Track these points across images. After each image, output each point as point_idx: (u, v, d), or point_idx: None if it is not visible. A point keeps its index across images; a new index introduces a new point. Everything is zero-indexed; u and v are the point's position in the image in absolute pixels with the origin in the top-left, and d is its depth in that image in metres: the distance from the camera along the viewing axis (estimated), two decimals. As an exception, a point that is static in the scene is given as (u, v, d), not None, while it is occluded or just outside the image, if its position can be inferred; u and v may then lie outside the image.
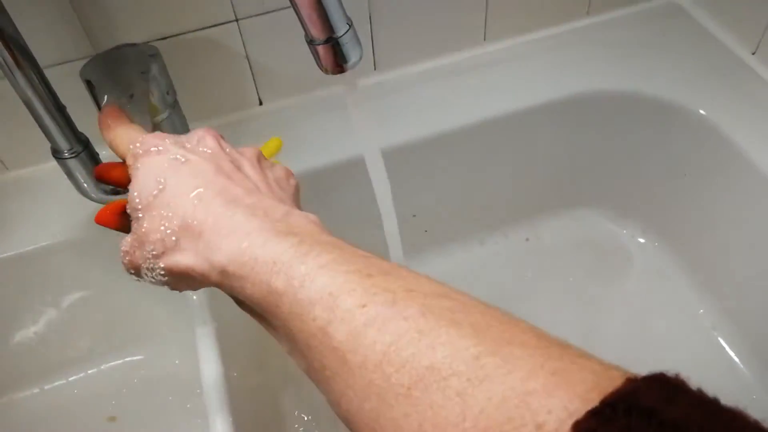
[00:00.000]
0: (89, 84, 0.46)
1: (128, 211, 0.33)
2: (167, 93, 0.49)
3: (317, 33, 0.33)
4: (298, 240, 0.28)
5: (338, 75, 0.35)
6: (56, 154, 0.50)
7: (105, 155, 0.54)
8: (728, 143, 0.58)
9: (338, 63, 0.34)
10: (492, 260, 0.72)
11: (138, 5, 0.53)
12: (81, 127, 0.50)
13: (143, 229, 0.31)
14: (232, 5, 0.56)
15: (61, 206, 0.58)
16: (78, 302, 0.60)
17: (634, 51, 0.66)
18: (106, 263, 0.58)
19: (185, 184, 0.31)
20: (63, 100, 0.47)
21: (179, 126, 0.51)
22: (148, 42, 0.55)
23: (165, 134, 0.34)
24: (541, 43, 0.68)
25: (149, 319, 0.63)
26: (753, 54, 0.64)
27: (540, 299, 0.69)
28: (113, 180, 0.38)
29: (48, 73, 0.46)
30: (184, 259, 0.30)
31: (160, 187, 0.31)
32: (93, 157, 0.52)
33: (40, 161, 0.60)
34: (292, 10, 0.57)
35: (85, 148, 0.51)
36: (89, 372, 0.64)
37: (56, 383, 0.64)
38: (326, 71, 0.35)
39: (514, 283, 0.71)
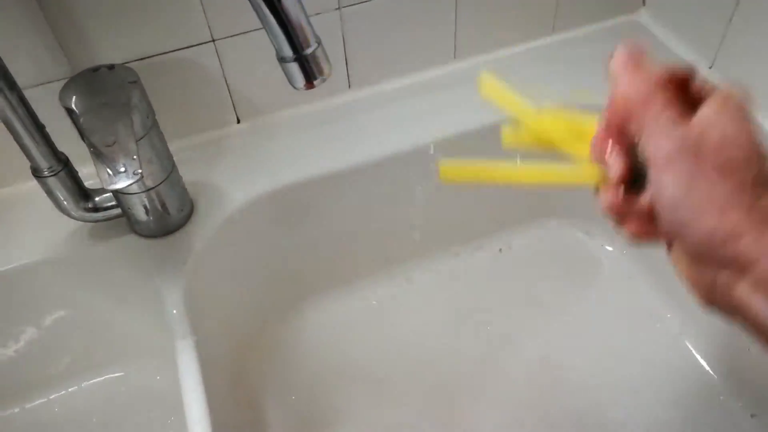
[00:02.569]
0: (71, 112, 0.47)
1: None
2: (147, 117, 0.50)
3: (287, 51, 0.35)
4: None
5: (313, 92, 0.36)
6: (36, 172, 0.52)
7: (84, 173, 0.55)
8: (688, 152, 0.61)
9: (308, 79, 0.36)
10: (468, 271, 0.74)
11: (116, 27, 0.55)
12: (60, 145, 0.51)
13: None
14: (209, 26, 0.58)
15: (40, 225, 0.58)
16: (58, 320, 0.61)
17: (597, 66, 0.68)
18: (86, 281, 0.59)
19: None
20: (41, 119, 0.49)
21: (158, 145, 0.53)
22: (126, 63, 0.56)
23: None
24: (510, 60, 0.70)
25: (129, 336, 0.64)
26: (710, 68, 0.67)
27: (515, 307, 0.71)
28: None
29: (26, 94, 0.47)
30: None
31: None
32: (72, 176, 0.53)
33: (17, 181, 0.61)
34: (265, 30, 0.59)
35: (64, 167, 0.52)
36: (70, 390, 0.64)
37: (37, 402, 0.64)
38: (297, 87, 0.37)
39: (490, 292, 0.72)
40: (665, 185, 0.28)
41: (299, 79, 0.36)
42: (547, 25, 0.71)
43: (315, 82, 0.36)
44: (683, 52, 0.69)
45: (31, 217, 0.59)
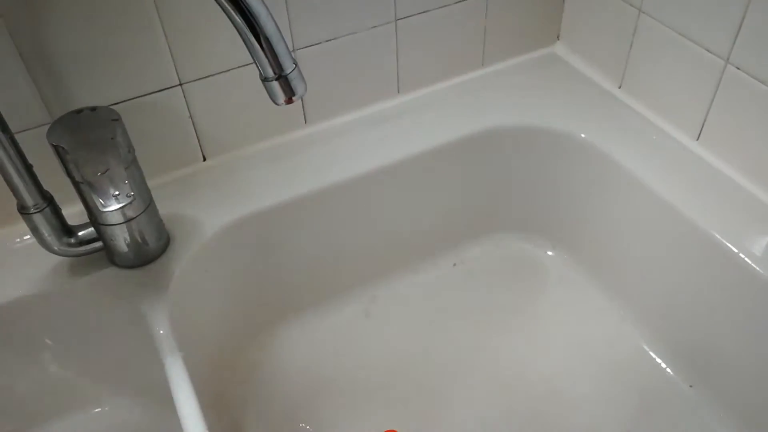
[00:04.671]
0: (60, 149, 0.51)
1: None
2: (128, 151, 0.55)
3: (270, 71, 0.41)
4: None
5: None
6: (23, 210, 0.55)
7: (68, 213, 0.58)
8: (607, 159, 0.70)
9: (288, 95, 0.42)
10: (427, 285, 0.80)
11: (90, 76, 0.59)
12: (45, 184, 0.55)
13: None
14: (176, 71, 0.63)
15: (20, 263, 0.61)
16: (39, 356, 0.62)
17: (524, 93, 0.78)
18: (69, 314, 0.61)
19: None
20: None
21: (138, 178, 0.57)
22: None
23: None
24: (447, 91, 0.79)
25: (110, 370, 0.65)
26: (619, 87, 0.77)
27: (472, 316, 0.77)
28: None
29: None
30: None
31: None
32: (56, 212, 0.57)
33: (-4, 226, 0.63)
34: (229, 73, 0.65)
35: (49, 204, 0.56)
36: (52, 428, 0.65)
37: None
38: (278, 103, 0.42)
39: (448, 304, 0.78)
40: None
41: (280, 95, 0.42)
42: (476, 60, 0.80)
43: (294, 98, 0.42)
44: (595, 77, 0.79)
45: (13, 258, 0.61)
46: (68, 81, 0.59)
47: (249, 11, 0.39)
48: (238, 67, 0.65)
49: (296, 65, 0.42)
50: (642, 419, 0.66)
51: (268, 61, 0.40)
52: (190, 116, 0.67)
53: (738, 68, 0.61)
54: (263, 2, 0.40)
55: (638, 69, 0.73)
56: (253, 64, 0.65)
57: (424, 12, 0.72)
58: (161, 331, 0.56)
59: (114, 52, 0.59)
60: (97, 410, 0.67)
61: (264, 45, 0.40)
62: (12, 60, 0.55)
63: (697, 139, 0.69)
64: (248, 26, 0.39)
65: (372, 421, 0.67)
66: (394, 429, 0.63)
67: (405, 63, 0.75)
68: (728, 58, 0.62)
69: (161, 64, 0.62)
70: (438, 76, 0.79)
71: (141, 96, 0.63)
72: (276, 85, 0.41)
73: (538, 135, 0.75)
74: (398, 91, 0.78)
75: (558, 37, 0.84)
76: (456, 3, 0.73)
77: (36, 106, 0.58)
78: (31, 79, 0.57)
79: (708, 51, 0.63)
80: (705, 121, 0.67)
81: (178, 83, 0.64)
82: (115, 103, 0.62)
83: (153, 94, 0.63)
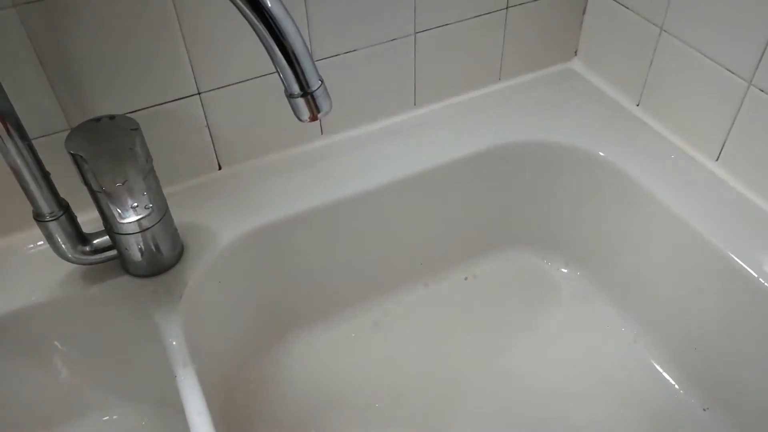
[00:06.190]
0: (78, 158, 0.51)
1: None
2: (146, 161, 0.54)
3: (296, 88, 0.40)
4: None
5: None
6: (38, 217, 0.55)
7: (83, 220, 0.58)
8: (624, 177, 0.70)
9: (313, 112, 0.42)
10: (438, 299, 0.79)
11: (108, 83, 0.59)
12: (61, 191, 0.55)
13: None
14: (195, 81, 0.63)
15: (34, 271, 0.60)
16: (51, 363, 0.62)
17: (540, 108, 0.78)
18: (82, 321, 0.61)
19: None
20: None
21: (155, 188, 0.56)
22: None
23: None
24: (463, 105, 0.78)
25: (124, 378, 0.65)
26: (637, 105, 0.77)
27: (482, 331, 0.76)
28: None
29: (34, 143, 0.50)
30: None
31: None
32: (72, 220, 0.56)
33: (6, 232, 0.63)
34: (247, 83, 0.65)
35: (65, 212, 0.55)
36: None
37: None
38: (302, 120, 0.42)
39: (458, 318, 0.78)
40: None
41: (305, 112, 0.42)
42: (494, 74, 0.80)
43: (319, 115, 0.42)
44: (613, 94, 0.79)
45: (26, 265, 0.61)
46: (86, 88, 0.59)
47: (277, 27, 0.38)
48: (257, 77, 0.65)
49: (322, 82, 0.41)
50: (655, 442, 0.66)
51: (295, 77, 0.40)
52: (207, 125, 0.66)
53: (761, 90, 0.61)
54: (291, 18, 0.39)
55: (657, 87, 0.73)
56: (271, 75, 0.66)
57: (443, 25, 0.71)
58: (174, 343, 0.56)
59: (133, 60, 0.59)
60: (105, 418, 0.66)
61: (291, 61, 0.40)
62: (31, 66, 0.55)
63: (717, 159, 0.68)
64: (276, 42, 0.39)
65: (382, 437, 0.67)
66: None
67: (422, 76, 0.75)
68: (752, 80, 0.61)
69: (180, 73, 0.62)
70: (455, 90, 0.79)
71: (159, 104, 0.62)
72: (301, 102, 0.41)
73: (554, 151, 0.74)
74: (415, 104, 0.77)
75: (576, 52, 0.83)
76: (475, 17, 0.73)
77: (54, 112, 0.58)
78: (49, 86, 0.57)
79: (731, 72, 0.63)
80: (725, 142, 0.66)
81: (197, 92, 0.64)
82: (133, 111, 0.61)
83: (171, 103, 0.63)
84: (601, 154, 0.72)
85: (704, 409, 0.68)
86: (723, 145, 0.67)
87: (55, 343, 0.61)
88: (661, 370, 0.71)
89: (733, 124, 0.65)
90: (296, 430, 0.68)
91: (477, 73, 0.79)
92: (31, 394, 0.63)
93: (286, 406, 0.70)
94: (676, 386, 0.70)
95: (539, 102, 0.79)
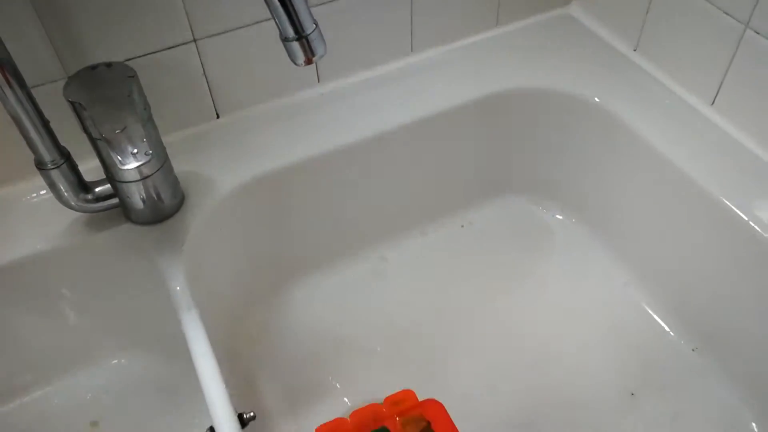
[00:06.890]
0: (77, 105, 0.51)
1: None
2: (144, 108, 0.55)
3: (290, 31, 0.41)
4: None
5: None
6: (40, 165, 0.55)
7: (84, 168, 0.59)
8: (620, 123, 0.70)
9: (308, 56, 0.42)
10: (436, 247, 0.81)
11: (103, 30, 0.59)
12: (62, 140, 0.55)
13: None
14: (191, 27, 0.62)
15: (37, 220, 0.61)
16: (58, 310, 0.64)
17: (537, 54, 0.78)
18: (87, 268, 0.62)
19: None
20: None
21: (154, 136, 0.57)
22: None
23: None
24: (461, 51, 0.78)
25: (130, 323, 0.67)
26: (634, 50, 0.76)
27: (479, 277, 0.78)
28: None
29: (33, 91, 0.51)
30: None
31: None
32: (73, 168, 0.57)
33: (8, 181, 0.64)
34: (243, 30, 0.65)
35: (66, 160, 0.56)
36: (71, 379, 0.67)
37: (37, 393, 0.66)
38: (298, 64, 0.42)
39: (455, 265, 0.79)
40: None
41: (300, 55, 0.42)
42: (491, 19, 0.79)
43: (313, 59, 0.42)
44: (610, 39, 0.78)
45: (29, 214, 0.62)
46: (82, 34, 0.58)
47: (271, -30, 0.38)
48: (253, 23, 0.65)
49: (317, 26, 0.41)
50: (644, 382, 0.68)
51: (290, 20, 0.40)
52: (204, 73, 0.66)
53: (757, 33, 0.60)
54: (285, -40, 0.39)
55: (655, 32, 0.72)
56: (267, 21, 0.65)
57: (440, -31, 0.71)
58: (177, 287, 0.57)
59: (128, 6, 0.59)
60: (114, 362, 0.69)
61: (286, 4, 0.40)
62: (26, 13, 0.55)
63: (712, 104, 0.68)
64: (270, -15, 0.39)
65: (381, 380, 0.69)
66: (410, 389, 0.65)
67: (419, 21, 0.74)
68: (748, 23, 0.61)
69: (175, 20, 0.61)
70: (452, 36, 0.78)
71: (154, 52, 0.62)
72: (296, 46, 0.41)
73: (551, 98, 0.74)
74: (411, 50, 0.77)
75: (574, -3, 0.83)
76: (472, -39, 0.72)
77: (50, 60, 0.58)
78: (45, 33, 0.57)
79: (727, 14, 0.63)
80: (721, 86, 0.66)
81: (192, 39, 0.63)
82: (129, 59, 0.61)
83: (166, 50, 0.63)
84: (597, 100, 0.72)
85: (693, 350, 0.70)
86: (719, 90, 0.67)
87: (61, 289, 0.63)
88: (652, 313, 0.73)
89: (729, 67, 0.65)
90: (298, 372, 0.70)
91: (474, 18, 0.78)
92: (41, 341, 0.65)
93: (288, 350, 0.72)
94: (666, 328, 0.72)
95: (536, 48, 0.78)
